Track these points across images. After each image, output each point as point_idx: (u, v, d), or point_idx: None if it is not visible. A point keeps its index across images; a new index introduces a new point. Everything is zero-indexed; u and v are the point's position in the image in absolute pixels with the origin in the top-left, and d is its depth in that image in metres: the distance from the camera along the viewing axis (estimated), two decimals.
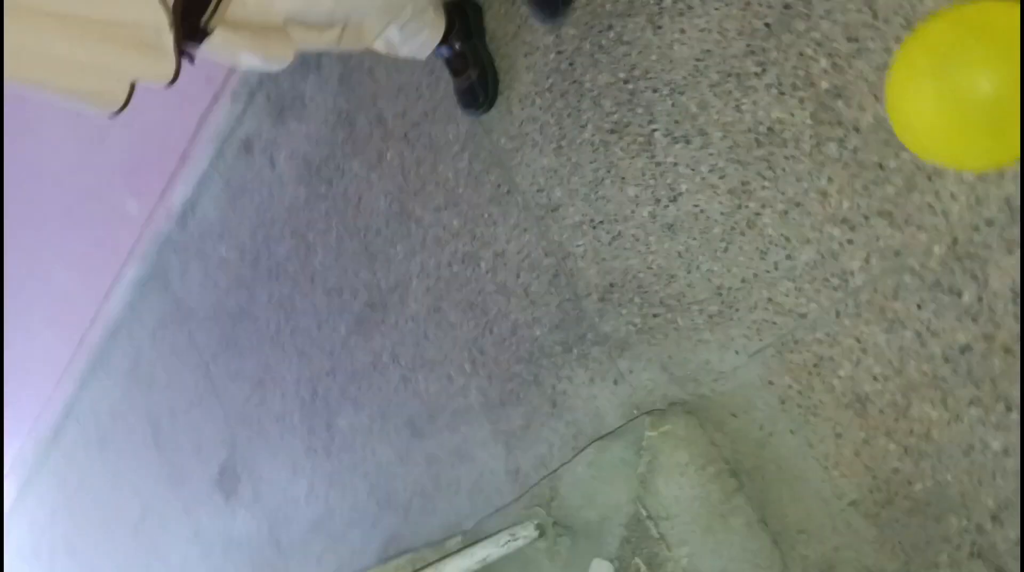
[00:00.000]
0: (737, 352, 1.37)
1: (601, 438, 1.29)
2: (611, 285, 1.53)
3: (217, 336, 2.62)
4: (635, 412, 1.50)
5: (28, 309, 2.92)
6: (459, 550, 1.18)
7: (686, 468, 1.31)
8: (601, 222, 1.53)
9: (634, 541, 1.19)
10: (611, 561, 1.20)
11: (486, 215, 1.74)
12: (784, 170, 1.28)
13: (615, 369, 1.54)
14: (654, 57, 1.42)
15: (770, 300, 1.32)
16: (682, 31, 1.38)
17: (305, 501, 2.33)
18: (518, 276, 1.69)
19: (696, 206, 1.39)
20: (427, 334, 1.90)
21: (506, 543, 1.22)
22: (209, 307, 2.64)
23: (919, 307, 1.18)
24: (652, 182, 1.45)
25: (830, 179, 1.24)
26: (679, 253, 1.42)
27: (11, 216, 2.49)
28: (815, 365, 1.28)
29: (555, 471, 1.35)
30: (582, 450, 1.31)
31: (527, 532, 1.25)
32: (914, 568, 1.21)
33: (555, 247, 1.61)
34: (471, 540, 1.34)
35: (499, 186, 1.71)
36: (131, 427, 3.12)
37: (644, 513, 1.20)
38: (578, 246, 1.57)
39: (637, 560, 1.18)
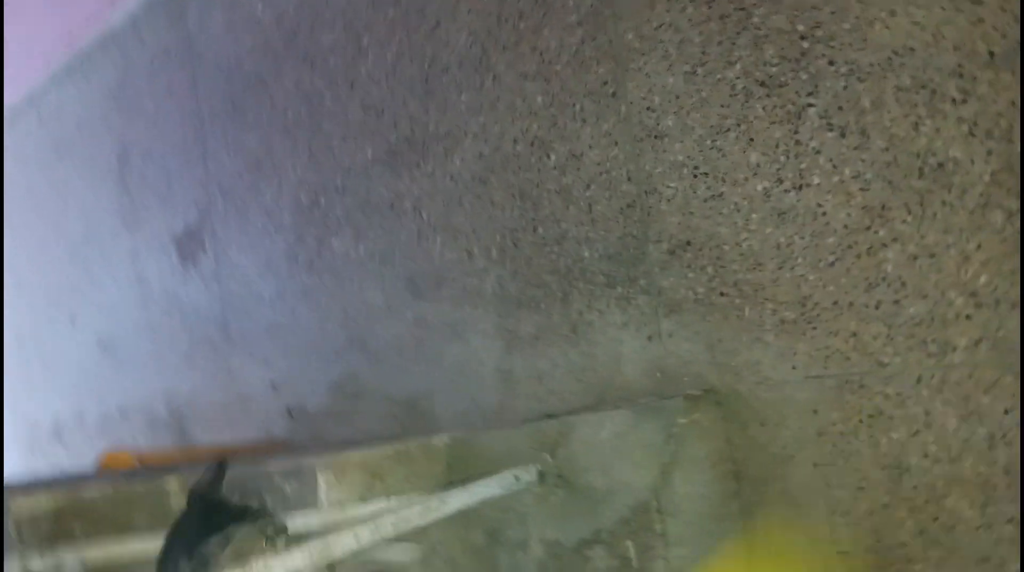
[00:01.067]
0: (795, 367, 1.29)
1: (633, 407, 1.22)
2: (688, 242, 1.41)
3: (223, 95, 2.39)
4: (658, 375, 1.44)
5: None
6: (461, 483, 1.12)
7: (702, 463, 1.26)
8: (706, 174, 1.39)
9: (633, 526, 1.16)
10: (602, 533, 1.17)
11: (577, 107, 1.56)
12: (935, 214, 1.16)
13: (655, 326, 1.45)
14: (847, 26, 1.23)
15: (855, 334, 1.23)
16: (892, 13, 1.19)
17: (270, 302, 2.23)
18: (588, 187, 1.55)
19: (820, 206, 1.26)
20: (463, 201, 1.76)
21: (509, 484, 1.16)
22: (223, 61, 2.39)
23: (1007, 412, 1.11)
24: (782, 159, 1.30)
25: (979, 247, 1.13)
26: (778, 244, 1.31)
27: None
28: (870, 416, 1.22)
29: (570, 416, 1.28)
30: (610, 410, 1.24)
31: (530, 476, 1.20)
32: None
33: (642, 176, 1.47)
34: (461, 452, 1.28)
35: (605, 83, 1.52)
36: (97, 146, 2.90)
37: (655, 505, 1.15)
38: (669, 187, 1.43)
39: (629, 544, 1.15)
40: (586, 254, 1.55)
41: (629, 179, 1.49)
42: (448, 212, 1.79)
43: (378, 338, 1.94)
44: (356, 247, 1.99)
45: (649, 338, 1.46)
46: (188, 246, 2.52)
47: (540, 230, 1.62)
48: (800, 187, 1.28)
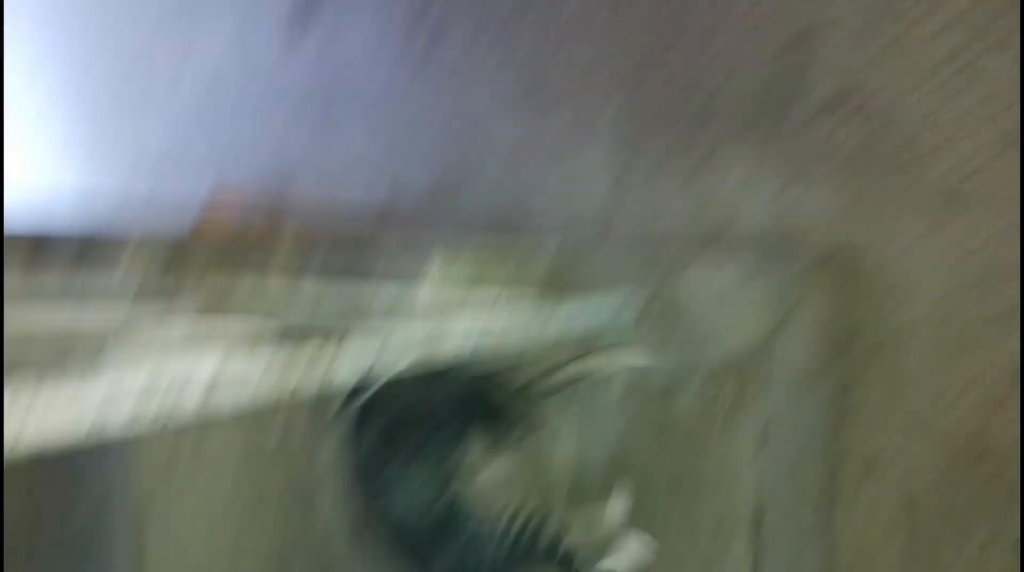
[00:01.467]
0: (934, 249, 1.21)
1: (749, 260, 1.17)
2: (845, 97, 1.29)
3: None
4: (779, 235, 1.37)
5: None
6: (566, 296, 1.09)
7: (812, 328, 1.22)
8: (884, 23, 1.25)
9: (727, 377, 1.14)
10: (692, 378, 1.16)
11: None
12: None
13: (783, 181, 1.36)
14: None
15: (1007, 230, 1.14)
16: None
17: (377, 89, 2.15)
18: (743, 18, 1.41)
19: (1009, 81, 1.13)
20: (597, 13, 1.63)
21: (613, 307, 1.14)
22: None
23: None
24: (977, 20, 1.15)
25: None
26: (951, 116, 1.19)
27: None
28: (1002, 314, 1.16)
29: (679, 257, 1.24)
30: (723, 260, 1.19)
31: (635, 304, 1.17)
32: (949, 524, 1.22)
33: (809, 14, 1.33)
34: (565, 265, 1.25)
35: None
36: None
37: (753, 361, 1.13)
38: (838, 31, 1.30)
39: (719, 394, 1.14)
40: (724, 93, 1.44)
41: (792, 14, 1.35)
42: (578, 24, 1.66)
43: (482, 147, 1.88)
44: (472, 48, 1.89)
45: (777, 194, 1.38)
46: (298, 18, 2.43)
47: (678, 59, 1.50)
48: (991, 55, 1.15)
